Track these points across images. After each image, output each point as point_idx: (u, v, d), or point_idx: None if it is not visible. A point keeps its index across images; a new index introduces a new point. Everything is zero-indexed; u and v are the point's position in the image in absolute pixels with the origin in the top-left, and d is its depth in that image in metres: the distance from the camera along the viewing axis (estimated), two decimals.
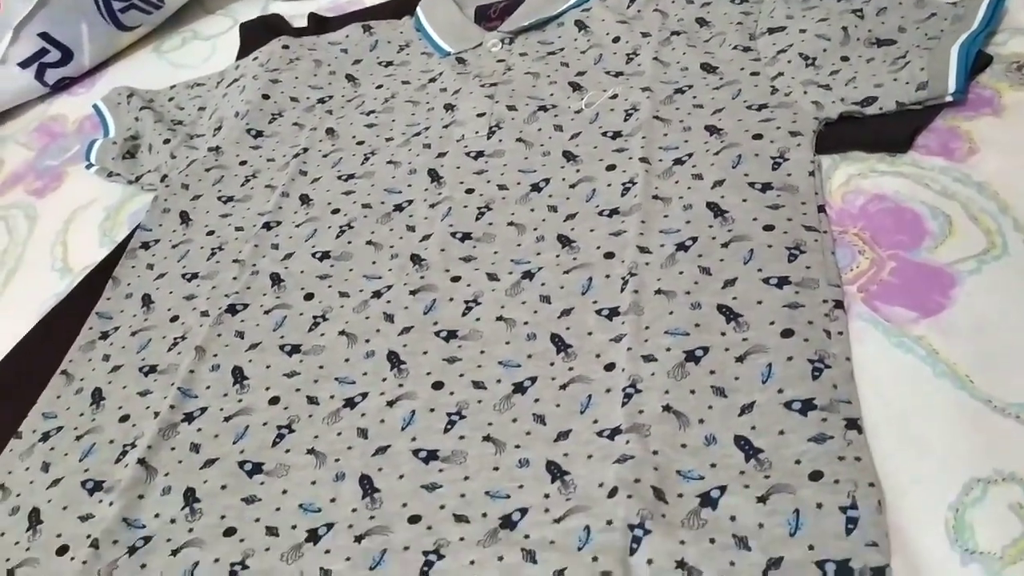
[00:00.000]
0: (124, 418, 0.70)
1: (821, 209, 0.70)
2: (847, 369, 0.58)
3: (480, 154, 0.84)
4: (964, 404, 0.55)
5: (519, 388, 0.63)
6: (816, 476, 0.53)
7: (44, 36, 1.13)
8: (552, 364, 0.64)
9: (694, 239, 0.70)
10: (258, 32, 1.15)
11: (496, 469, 0.59)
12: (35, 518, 0.64)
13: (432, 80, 0.96)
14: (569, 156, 0.81)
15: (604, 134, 0.82)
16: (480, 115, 0.88)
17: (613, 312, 0.66)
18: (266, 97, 0.99)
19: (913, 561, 0.49)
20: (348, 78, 1.01)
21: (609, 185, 0.77)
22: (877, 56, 0.81)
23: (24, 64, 1.14)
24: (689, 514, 0.53)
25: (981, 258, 0.63)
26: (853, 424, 0.55)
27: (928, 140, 0.74)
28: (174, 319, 0.77)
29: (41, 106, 1.16)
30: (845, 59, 0.81)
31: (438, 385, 0.65)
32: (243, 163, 0.93)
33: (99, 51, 1.18)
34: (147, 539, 0.60)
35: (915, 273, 0.64)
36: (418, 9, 1.05)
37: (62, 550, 0.61)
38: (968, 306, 0.61)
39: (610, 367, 0.63)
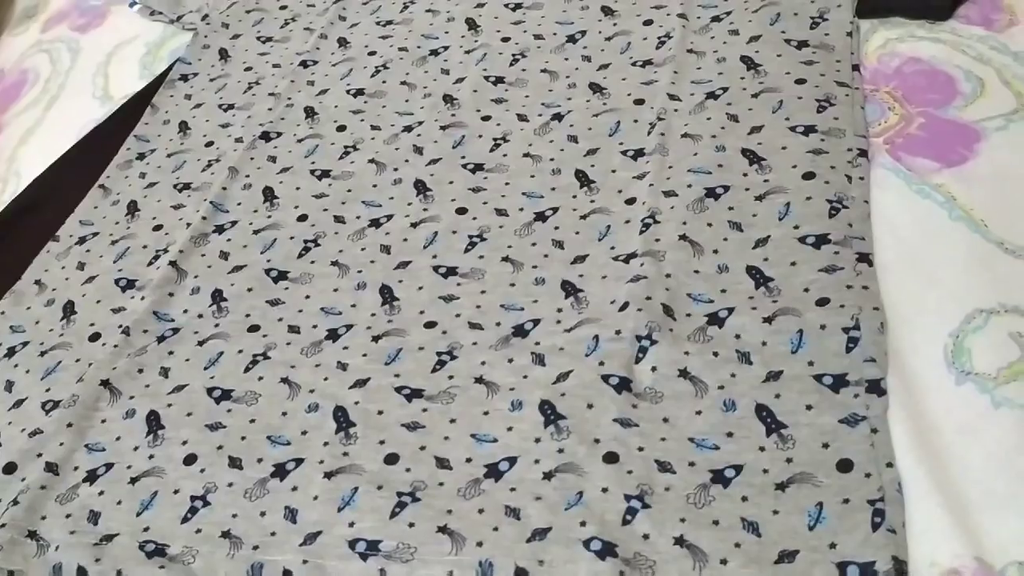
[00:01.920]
0: (157, 227, 0.72)
1: (855, 68, 0.70)
2: (864, 210, 0.59)
3: (519, 6, 0.84)
4: (977, 245, 0.56)
5: (540, 216, 0.65)
6: (823, 302, 0.54)
7: None
8: (575, 197, 0.66)
9: (725, 88, 0.70)
10: None
11: (512, 285, 0.61)
12: (70, 309, 0.67)
13: None
14: (607, 10, 0.81)
15: None
16: None
17: (639, 153, 0.67)
18: None
19: (909, 379, 0.50)
20: None
21: (644, 39, 0.77)
22: None
23: None
24: (696, 330, 0.55)
25: (1009, 117, 0.63)
26: (864, 258, 0.56)
27: (969, 11, 0.74)
28: (209, 144, 0.79)
29: None
30: None
31: (462, 211, 0.67)
32: (283, 7, 0.94)
33: None
34: (175, 330, 0.63)
35: (942, 128, 0.64)
36: None
37: (94, 337, 0.64)
38: (990, 159, 0.61)
39: (631, 201, 0.64)
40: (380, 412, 0.55)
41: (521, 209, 0.66)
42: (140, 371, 0.61)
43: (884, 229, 0.58)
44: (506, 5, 0.85)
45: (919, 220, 0.58)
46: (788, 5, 0.76)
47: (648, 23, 0.78)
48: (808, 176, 0.62)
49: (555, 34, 0.80)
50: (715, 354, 0.53)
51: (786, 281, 0.56)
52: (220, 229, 0.70)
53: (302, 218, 0.69)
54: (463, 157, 0.71)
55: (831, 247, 0.57)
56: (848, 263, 0.56)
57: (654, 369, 0.53)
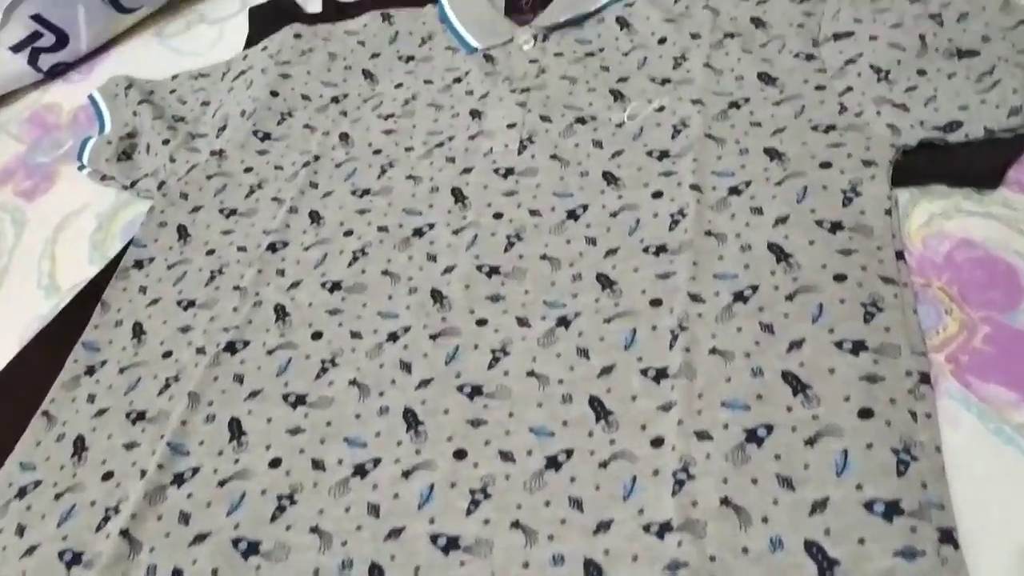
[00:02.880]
0: (108, 475, 0.62)
1: (899, 256, 0.62)
2: (938, 463, 0.50)
3: (510, 172, 0.75)
4: None
5: (552, 463, 0.55)
6: None
7: (37, 18, 1.05)
8: (591, 434, 0.56)
9: (754, 288, 0.61)
10: (269, 17, 1.06)
11: (526, 566, 0.51)
12: None
13: (457, 80, 0.87)
14: (610, 178, 0.72)
15: (649, 153, 0.73)
16: (510, 126, 0.79)
17: (661, 373, 0.58)
18: (275, 94, 0.90)
19: None
20: (365, 74, 0.92)
21: (655, 215, 0.68)
22: (959, 71, 0.71)
23: (16, 48, 1.05)
24: None
25: None
26: (948, 537, 0.47)
27: (1021, 175, 0.65)
28: (167, 354, 0.70)
29: (35, 93, 1.08)
30: (922, 73, 0.72)
31: (460, 454, 0.57)
32: (248, 170, 0.84)
33: (97, 35, 1.09)
34: None
35: (1013, 341, 0.56)
36: None
37: None
38: None
39: (658, 443, 0.55)
40: None
41: (529, 452, 0.56)
42: None
43: (963, 488, 0.49)
44: (496, 171, 0.76)
45: (1006, 477, 0.49)
46: (815, 177, 0.67)
47: (657, 195, 0.70)
48: (865, 414, 0.53)
49: (553, 209, 0.72)
50: None
51: (856, 566, 0.47)
52: (179, 480, 0.60)
53: (275, 463, 0.60)
54: (458, 376, 0.62)
55: (905, 520, 0.48)
56: (929, 544, 0.47)
57: None
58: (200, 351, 0.69)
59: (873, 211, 0.64)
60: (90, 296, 0.77)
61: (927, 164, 0.67)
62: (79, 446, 0.65)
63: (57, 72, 1.09)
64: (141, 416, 0.65)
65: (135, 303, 0.75)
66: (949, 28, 0.75)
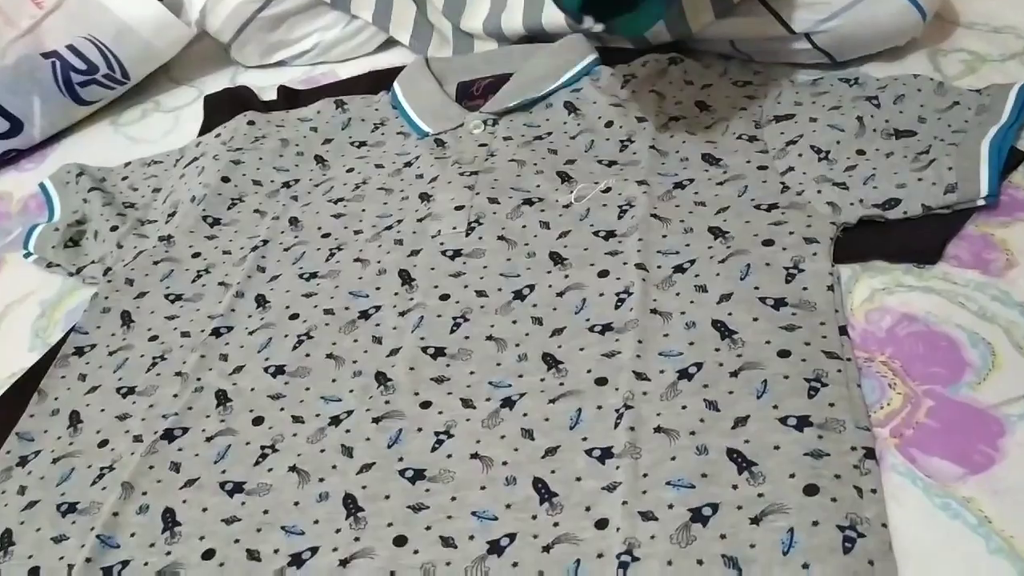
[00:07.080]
0: (34, 571, 0.59)
1: (843, 331, 0.62)
2: (884, 539, 0.49)
3: (457, 253, 0.75)
4: None
5: (495, 547, 0.54)
6: None
7: None
8: (534, 517, 0.55)
9: (699, 365, 0.61)
10: (224, 105, 1.06)
11: None
12: None
13: (408, 164, 0.88)
14: (556, 259, 0.72)
15: (596, 233, 0.73)
16: (458, 208, 0.79)
17: (606, 453, 0.57)
18: (226, 180, 0.90)
19: None
20: (317, 159, 0.92)
21: (601, 295, 0.68)
22: (897, 150, 0.73)
23: None
24: None
25: None
26: None
27: (959, 249, 0.66)
28: (103, 443, 0.67)
29: None
30: (861, 153, 0.74)
31: (400, 540, 0.55)
32: (196, 255, 0.84)
33: (52, 124, 1.09)
34: None
35: (957, 415, 0.55)
36: (395, 84, 0.97)
37: None
38: (1021, 461, 0.52)
39: (602, 524, 0.53)
40: None
41: (471, 537, 0.55)
42: None
43: (910, 564, 0.48)
44: (443, 252, 0.76)
45: (951, 552, 0.48)
46: (758, 254, 0.67)
47: (603, 274, 0.70)
48: (810, 490, 0.52)
49: (500, 290, 0.71)
50: None
51: None
52: (108, 574, 0.58)
53: (208, 554, 0.58)
54: (400, 459, 0.60)
55: None
56: None
57: None
58: (137, 439, 0.67)
59: (815, 287, 0.64)
60: (28, 384, 0.75)
61: (868, 241, 0.68)
62: (6, 540, 0.62)
63: (8, 159, 1.09)
64: (72, 508, 0.63)
65: (73, 391, 0.73)
66: (886, 110, 0.77)
